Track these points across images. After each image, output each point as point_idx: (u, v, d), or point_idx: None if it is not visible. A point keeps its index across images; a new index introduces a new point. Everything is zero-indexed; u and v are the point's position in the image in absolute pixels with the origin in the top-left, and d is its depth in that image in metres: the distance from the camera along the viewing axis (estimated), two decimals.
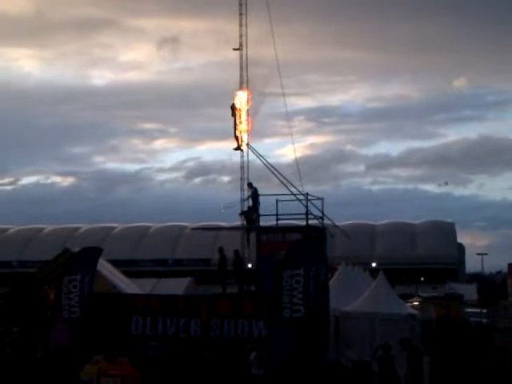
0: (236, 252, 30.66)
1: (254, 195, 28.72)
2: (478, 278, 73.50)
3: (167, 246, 77.57)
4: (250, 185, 29.30)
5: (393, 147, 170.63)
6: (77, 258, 20.92)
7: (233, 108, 30.55)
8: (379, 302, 22.37)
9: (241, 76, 31.20)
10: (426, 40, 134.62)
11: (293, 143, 33.00)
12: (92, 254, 21.30)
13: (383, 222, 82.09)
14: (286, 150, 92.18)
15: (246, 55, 31.08)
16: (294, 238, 23.58)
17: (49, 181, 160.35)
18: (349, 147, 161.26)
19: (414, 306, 28.75)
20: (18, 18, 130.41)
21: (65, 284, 19.92)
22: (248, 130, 30.87)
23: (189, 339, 19.94)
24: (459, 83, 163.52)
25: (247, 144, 30.73)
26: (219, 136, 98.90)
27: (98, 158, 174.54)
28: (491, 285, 73.53)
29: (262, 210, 28.90)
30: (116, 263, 37.58)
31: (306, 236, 20.95)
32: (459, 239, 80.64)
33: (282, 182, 30.06)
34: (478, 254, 77.67)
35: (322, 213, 29.13)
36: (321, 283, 16.74)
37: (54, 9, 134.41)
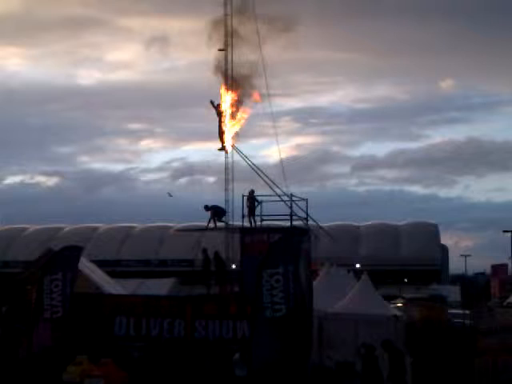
0: (216, 253, 30.71)
1: (251, 199, 28.93)
2: (461, 279, 73.86)
3: (151, 246, 77.36)
4: (206, 207, 29.72)
5: (379, 148, 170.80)
6: (57, 257, 20.85)
7: (212, 103, 30.59)
8: (363, 304, 22.44)
9: (226, 77, 31.14)
10: (414, 42, 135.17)
11: (278, 144, 33.01)
12: (72, 252, 21.22)
13: (367, 223, 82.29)
14: (272, 151, 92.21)
15: (232, 56, 31.04)
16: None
17: (33, 180, 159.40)
18: (335, 148, 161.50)
19: (397, 308, 28.84)
20: (6, 16, 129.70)
21: (46, 284, 19.83)
22: (235, 132, 30.96)
23: (173, 340, 19.92)
24: (446, 85, 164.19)
25: (232, 145, 30.75)
26: (205, 136, 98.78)
27: (84, 158, 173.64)
28: (474, 286, 73.92)
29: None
30: (100, 263, 37.49)
31: (285, 235, 21.02)
32: (444, 240, 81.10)
33: (267, 183, 30.09)
34: (462, 256, 78.31)
35: (307, 214, 29.23)
36: (301, 282, 16.77)
37: (41, 7, 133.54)
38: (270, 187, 29.96)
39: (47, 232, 79.25)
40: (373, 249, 74.57)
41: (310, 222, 29.61)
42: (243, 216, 29.29)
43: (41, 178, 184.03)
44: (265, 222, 29.31)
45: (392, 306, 27.47)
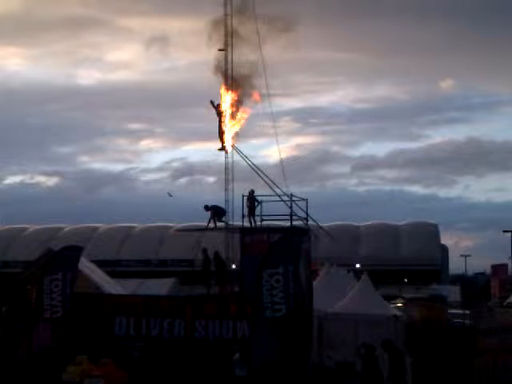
0: (216, 253, 30.71)
1: (251, 199, 28.95)
2: (461, 279, 73.84)
3: (151, 246, 77.35)
4: (206, 207, 29.84)
5: (379, 148, 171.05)
6: (57, 257, 20.85)
7: (212, 103, 30.61)
8: (363, 303, 22.43)
9: (226, 77, 31.14)
10: (414, 41, 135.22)
11: (278, 144, 33.02)
12: (72, 252, 21.23)
13: (367, 223, 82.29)
14: (272, 151, 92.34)
15: (232, 56, 31.04)
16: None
17: (33, 180, 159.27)
18: (335, 148, 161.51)
19: (397, 308, 28.84)
20: (6, 16, 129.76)
21: (46, 284, 19.82)
22: (235, 132, 30.98)
23: (173, 340, 19.92)
24: (446, 85, 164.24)
25: (232, 145, 30.76)
26: (205, 136, 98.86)
27: (84, 158, 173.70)
28: (474, 286, 73.93)
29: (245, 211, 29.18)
30: (100, 263, 37.49)
31: (285, 235, 21.00)
32: (444, 240, 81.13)
33: (267, 183, 30.09)
34: (462, 256, 78.34)
35: (307, 214, 29.23)
36: (301, 282, 16.78)
37: (41, 7, 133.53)
38: (270, 187, 29.97)
39: (47, 232, 79.23)
40: (373, 249, 74.57)
41: (310, 222, 29.61)
42: (243, 216, 29.29)
43: (41, 178, 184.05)
44: (265, 222, 29.31)
45: (392, 306, 27.46)
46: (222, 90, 30.89)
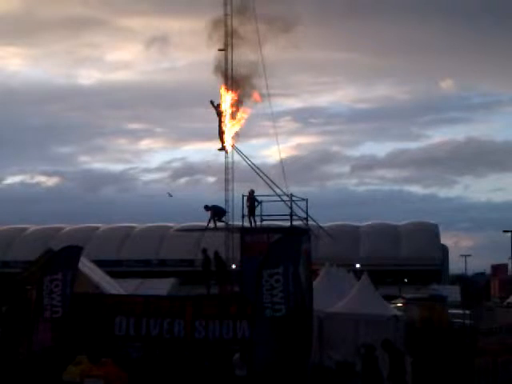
0: (216, 253, 30.71)
1: (251, 199, 28.96)
2: (461, 279, 73.92)
3: (151, 246, 77.36)
4: (206, 207, 29.87)
5: (379, 148, 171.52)
6: (57, 257, 20.81)
7: (212, 103, 30.64)
8: (363, 304, 22.43)
9: (226, 77, 31.15)
10: (414, 42, 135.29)
11: (278, 144, 33.06)
12: (72, 252, 21.20)
13: (367, 223, 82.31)
14: (272, 151, 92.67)
15: (232, 55, 31.05)
16: None
17: (34, 180, 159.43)
18: (335, 148, 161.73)
19: (397, 308, 28.85)
20: (6, 16, 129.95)
21: (46, 284, 19.80)
22: (235, 132, 30.98)
23: (173, 340, 19.91)
24: (446, 85, 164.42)
25: (232, 145, 30.77)
26: (205, 136, 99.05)
27: (84, 158, 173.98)
28: (474, 286, 73.99)
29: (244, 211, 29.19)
30: (100, 263, 37.45)
31: (284, 235, 21.02)
32: (443, 240, 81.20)
33: (267, 183, 30.11)
34: (462, 256, 78.44)
35: (307, 214, 29.25)
36: (301, 282, 16.78)
37: (42, 7, 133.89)
38: (270, 187, 29.99)
39: (47, 232, 79.26)
40: (373, 249, 74.59)
41: (310, 222, 29.62)
42: (243, 216, 29.31)
43: (41, 178, 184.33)
44: (265, 222, 29.33)
45: (392, 305, 27.46)
46: (222, 90, 30.90)
